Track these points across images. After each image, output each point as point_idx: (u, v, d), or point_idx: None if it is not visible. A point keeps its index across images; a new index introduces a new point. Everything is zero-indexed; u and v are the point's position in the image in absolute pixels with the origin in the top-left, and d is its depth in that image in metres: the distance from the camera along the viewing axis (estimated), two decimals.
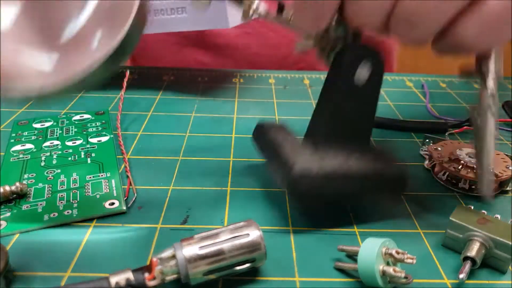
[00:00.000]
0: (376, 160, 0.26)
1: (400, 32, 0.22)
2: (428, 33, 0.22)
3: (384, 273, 0.20)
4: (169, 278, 0.20)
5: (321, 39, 0.25)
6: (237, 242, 0.20)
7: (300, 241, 0.24)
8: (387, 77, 0.50)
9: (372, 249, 0.21)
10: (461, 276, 0.21)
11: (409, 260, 0.21)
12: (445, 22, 0.21)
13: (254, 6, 0.24)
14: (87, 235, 0.24)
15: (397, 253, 0.21)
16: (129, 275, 0.19)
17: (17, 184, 0.26)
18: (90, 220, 0.25)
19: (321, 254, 0.24)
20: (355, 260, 0.22)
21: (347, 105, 0.25)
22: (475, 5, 0.20)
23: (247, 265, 0.21)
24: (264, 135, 0.29)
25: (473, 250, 0.22)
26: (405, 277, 0.21)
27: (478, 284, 0.22)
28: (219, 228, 0.21)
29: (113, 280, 0.19)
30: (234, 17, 0.35)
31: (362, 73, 0.24)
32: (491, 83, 0.23)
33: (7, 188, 0.26)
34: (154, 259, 0.20)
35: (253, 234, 0.21)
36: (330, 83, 0.26)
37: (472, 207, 0.25)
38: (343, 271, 0.23)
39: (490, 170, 0.25)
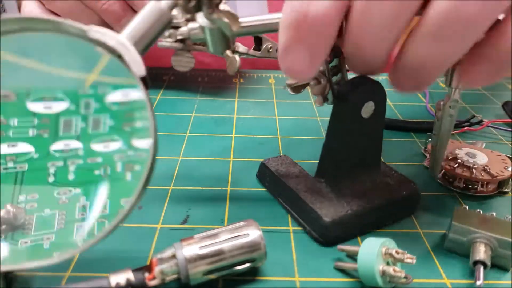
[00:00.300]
0: (391, 184, 0.26)
1: (400, 81, 0.21)
2: (431, 81, 0.21)
3: (384, 273, 0.21)
4: (169, 278, 0.20)
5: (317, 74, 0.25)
6: (237, 242, 0.21)
7: (300, 241, 0.25)
8: (387, 77, 0.50)
9: (372, 249, 0.21)
10: (478, 283, 0.21)
11: (409, 260, 0.21)
12: (449, 68, 0.21)
13: (237, 64, 0.24)
14: None
15: (397, 253, 0.21)
16: (129, 275, 0.19)
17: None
18: None
19: (321, 254, 0.24)
20: (355, 260, 0.22)
21: (356, 139, 0.25)
22: (484, 47, 0.19)
23: (247, 265, 0.21)
24: (272, 178, 0.28)
25: (481, 252, 0.22)
26: (405, 277, 0.21)
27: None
28: (219, 228, 0.21)
29: (113, 279, 0.19)
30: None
31: (368, 106, 0.24)
32: (456, 95, 0.25)
33: None
34: (154, 259, 0.20)
35: (253, 234, 0.21)
36: (337, 121, 0.25)
37: (467, 207, 0.25)
38: (343, 271, 0.23)
39: (441, 156, 0.28)
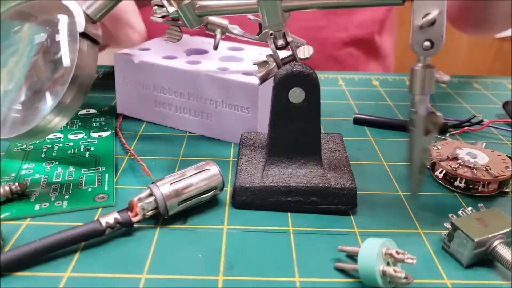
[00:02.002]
0: (325, 175, 0.27)
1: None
2: None
3: (384, 274, 0.20)
4: (148, 213, 0.24)
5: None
6: (201, 175, 0.26)
7: (300, 241, 0.24)
8: (387, 77, 0.50)
9: (372, 249, 0.21)
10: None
11: (409, 260, 0.21)
12: None
13: (217, 40, 0.31)
14: None
15: (397, 253, 0.21)
16: (116, 215, 0.23)
17: (17, 184, 0.26)
18: (82, 209, 0.26)
19: (321, 254, 0.24)
20: (355, 260, 0.22)
21: (289, 124, 0.27)
22: None
23: (211, 193, 0.26)
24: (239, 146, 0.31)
25: (509, 254, 0.22)
26: (405, 277, 0.21)
27: (478, 284, 0.22)
28: (185, 168, 0.26)
29: (104, 220, 0.23)
30: None
31: (296, 92, 0.26)
32: (418, 103, 0.22)
33: (7, 188, 0.26)
34: (134, 200, 0.24)
35: (213, 169, 0.26)
36: (272, 101, 0.27)
37: (470, 210, 0.25)
38: (343, 271, 0.23)
39: (416, 169, 0.24)
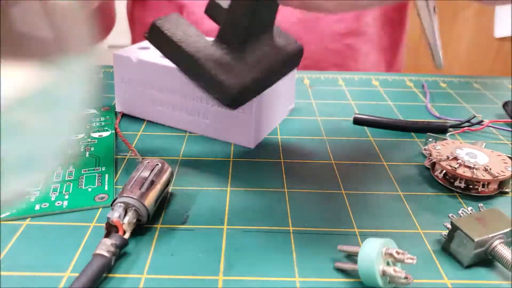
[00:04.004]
0: (282, 44, 0.28)
1: None
2: None
3: (384, 274, 0.20)
4: (132, 225, 0.24)
5: None
6: (157, 171, 0.26)
7: (300, 241, 0.24)
8: (387, 77, 0.50)
9: (372, 249, 0.21)
10: None
11: (410, 260, 0.21)
12: None
13: None
14: (87, 235, 0.24)
15: (397, 253, 0.21)
16: (110, 241, 0.22)
17: None
18: (82, 209, 0.25)
19: (321, 254, 0.24)
20: (355, 261, 0.22)
21: (257, 4, 0.25)
22: None
23: (169, 184, 0.27)
24: (168, 43, 0.26)
25: (509, 254, 0.22)
26: (405, 277, 0.21)
27: (478, 284, 0.22)
28: (134, 173, 0.26)
29: (103, 251, 0.22)
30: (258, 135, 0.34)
31: None
32: None
33: None
34: (115, 220, 0.23)
35: (160, 162, 0.27)
36: None
37: (470, 210, 0.25)
38: (343, 272, 0.23)
39: (435, 42, 0.26)
